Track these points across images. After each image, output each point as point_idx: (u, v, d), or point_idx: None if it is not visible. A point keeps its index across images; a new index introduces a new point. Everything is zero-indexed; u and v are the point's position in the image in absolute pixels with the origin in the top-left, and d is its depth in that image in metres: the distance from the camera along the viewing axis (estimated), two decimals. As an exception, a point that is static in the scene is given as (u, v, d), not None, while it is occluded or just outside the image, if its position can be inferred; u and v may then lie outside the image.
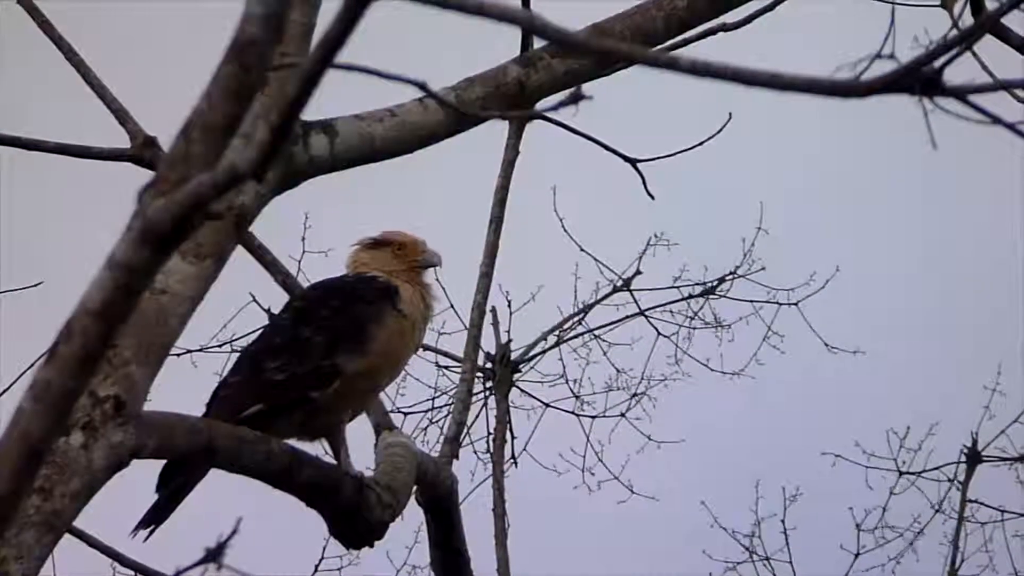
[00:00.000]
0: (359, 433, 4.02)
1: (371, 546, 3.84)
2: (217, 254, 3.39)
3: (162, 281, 3.29)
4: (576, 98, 1.97)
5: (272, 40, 1.86)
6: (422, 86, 1.98)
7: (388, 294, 3.87)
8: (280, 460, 3.50)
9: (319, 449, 3.87)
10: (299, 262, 11.49)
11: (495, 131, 5.61)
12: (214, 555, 1.85)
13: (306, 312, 3.85)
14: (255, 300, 11.20)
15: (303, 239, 11.78)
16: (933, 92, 1.79)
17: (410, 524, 4.03)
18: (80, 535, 4.85)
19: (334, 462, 3.79)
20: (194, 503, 3.55)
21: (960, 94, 1.80)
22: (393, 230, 4.04)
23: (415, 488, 4.15)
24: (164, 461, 3.47)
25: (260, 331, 4.12)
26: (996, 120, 1.83)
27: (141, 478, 3.45)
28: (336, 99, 3.05)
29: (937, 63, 1.79)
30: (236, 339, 11.72)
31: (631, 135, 5.13)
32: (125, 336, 3.17)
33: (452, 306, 9.99)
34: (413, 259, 4.00)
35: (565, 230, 12.35)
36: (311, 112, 3.56)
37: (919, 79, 1.77)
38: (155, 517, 3.52)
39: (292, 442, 3.69)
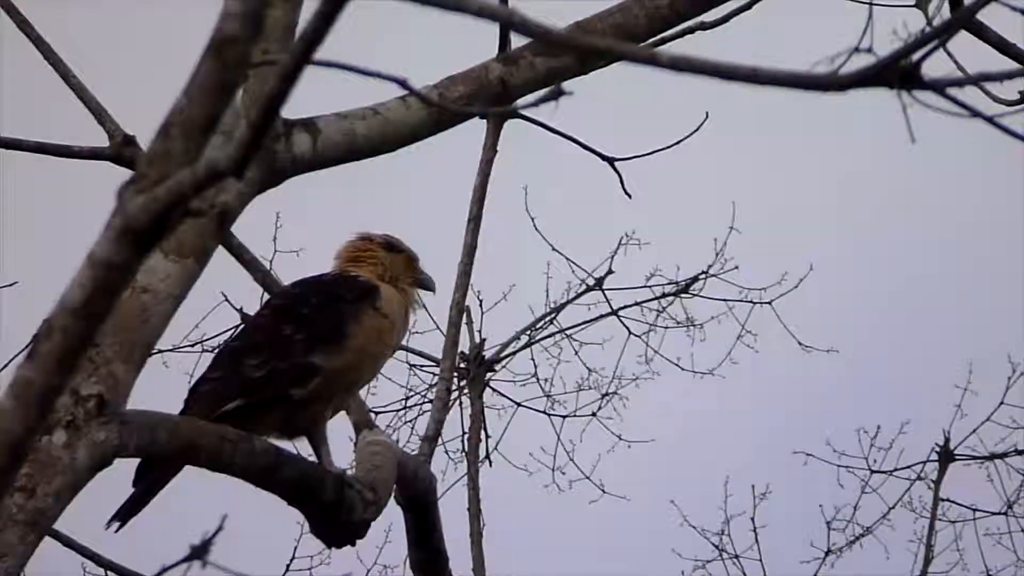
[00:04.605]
0: (339, 432, 4.02)
1: (352, 545, 3.83)
2: (199, 253, 3.39)
3: (145, 279, 3.28)
4: (556, 94, 1.97)
5: (251, 37, 1.85)
6: (402, 83, 1.98)
7: (369, 293, 3.89)
8: (262, 459, 3.49)
9: (300, 448, 3.87)
10: (270, 261, 11.49)
11: (473, 131, 5.60)
12: (199, 552, 1.85)
13: (286, 310, 3.86)
14: (227, 300, 11.20)
15: (274, 239, 11.79)
16: (911, 86, 1.80)
17: (382, 523, 4.02)
18: (56, 535, 4.84)
19: (315, 460, 3.79)
20: (176, 502, 3.55)
21: (938, 87, 1.81)
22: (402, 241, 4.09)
23: (394, 487, 4.14)
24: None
25: (240, 329, 4.12)
26: (975, 113, 1.84)
27: (121, 477, 3.45)
28: (319, 98, 3.05)
29: (915, 57, 1.80)
30: (207, 339, 11.71)
31: (607, 134, 5.13)
32: (108, 334, 3.17)
33: (423, 304, 9.98)
34: (413, 275, 4.05)
35: (536, 229, 12.34)
36: (294, 111, 3.58)
37: (897, 73, 1.78)
38: (129, 510, 3.52)
39: (273, 440, 3.69)
